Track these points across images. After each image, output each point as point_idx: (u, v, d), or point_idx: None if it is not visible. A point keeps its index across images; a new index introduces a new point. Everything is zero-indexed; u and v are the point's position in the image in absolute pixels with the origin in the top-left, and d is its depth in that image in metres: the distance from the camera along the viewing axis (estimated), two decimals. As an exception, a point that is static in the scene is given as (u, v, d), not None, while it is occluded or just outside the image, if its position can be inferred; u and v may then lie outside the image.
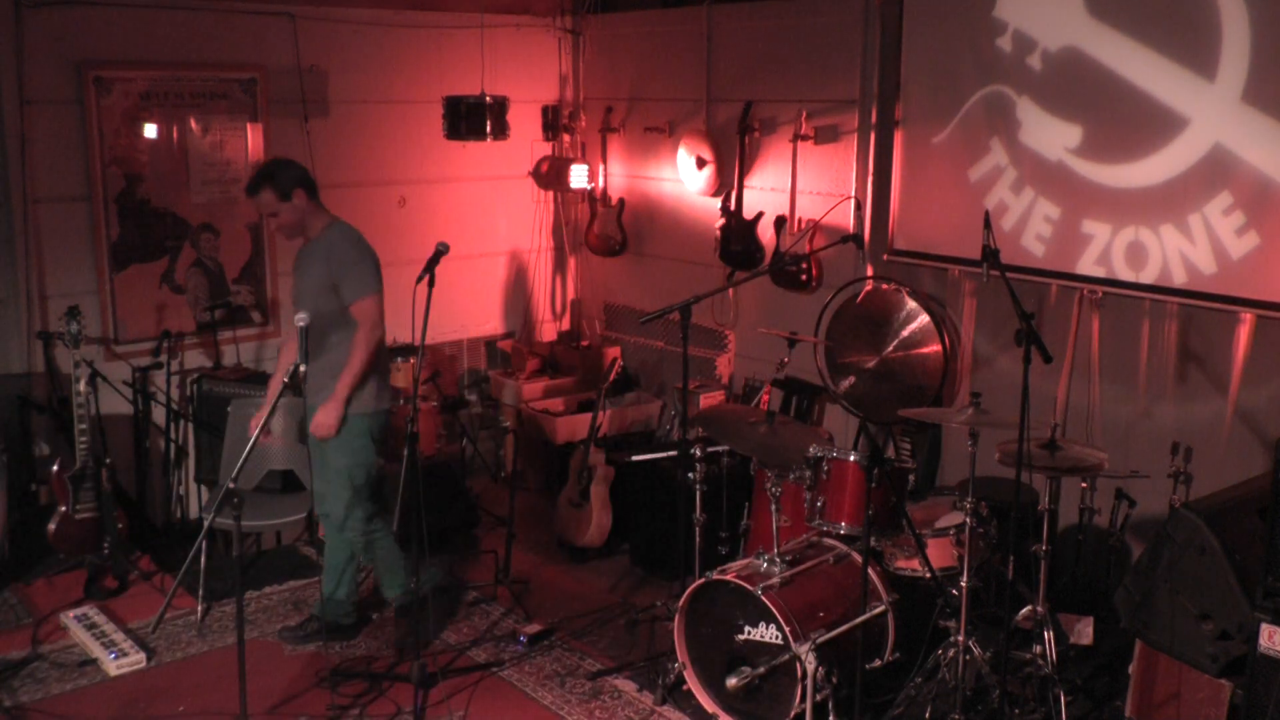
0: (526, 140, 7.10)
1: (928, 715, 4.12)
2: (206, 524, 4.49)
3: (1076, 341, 5.05)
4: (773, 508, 4.23)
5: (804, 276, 5.97)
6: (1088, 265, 4.95)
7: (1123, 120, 4.75)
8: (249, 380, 5.73)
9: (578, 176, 6.95)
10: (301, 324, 3.98)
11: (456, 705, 4.39)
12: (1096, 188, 4.88)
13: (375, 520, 4.74)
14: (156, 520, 5.90)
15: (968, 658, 4.10)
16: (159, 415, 5.86)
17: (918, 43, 5.44)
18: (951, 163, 5.37)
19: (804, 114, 5.87)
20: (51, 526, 5.12)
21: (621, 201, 7.08)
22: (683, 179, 6.57)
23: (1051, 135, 4.99)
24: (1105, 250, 4.89)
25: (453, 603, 5.21)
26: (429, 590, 4.78)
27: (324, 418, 4.50)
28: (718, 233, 6.33)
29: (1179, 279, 4.68)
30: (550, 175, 7.09)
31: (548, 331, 7.53)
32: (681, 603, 4.29)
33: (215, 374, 5.88)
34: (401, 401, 6.30)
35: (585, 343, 7.29)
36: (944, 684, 4.16)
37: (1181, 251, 4.66)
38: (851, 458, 4.28)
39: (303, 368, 3.94)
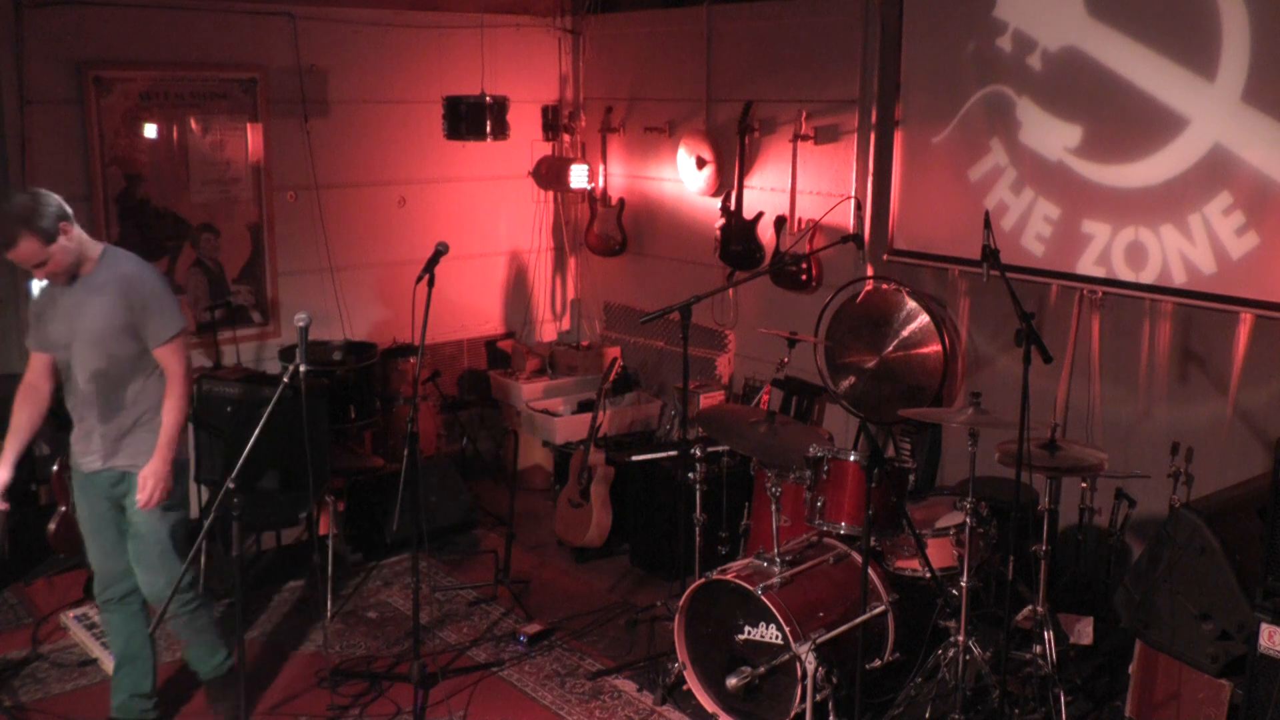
0: (526, 140, 7.10)
1: (928, 715, 4.13)
2: (206, 524, 4.48)
3: (1076, 341, 5.05)
4: (773, 508, 4.23)
5: (804, 276, 5.97)
6: (1088, 265, 4.95)
7: (1123, 120, 4.75)
8: (249, 380, 5.72)
9: (578, 176, 6.95)
10: (301, 324, 3.95)
11: (456, 705, 4.39)
12: (1096, 188, 4.88)
13: (197, 584, 4.25)
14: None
15: (968, 658, 4.10)
16: (159, 415, 5.86)
17: (918, 43, 5.44)
18: (951, 163, 5.37)
19: (804, 114, 5.87)
20: (51, 526, 5.11)
21: (621, 201, 7.08)
22: (683, 179, 6.57)
23: (1051, 135, 4.99)
24: (1105, 250, 4.89)
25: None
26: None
27: (157, 481, 3.84)
28: (718, 233, 6.33)
29: (1179, 279, 4.68)
30: (550, 175, 7.09)
31: (548, 331, 7.53)
32: (681, 603, 4.29)
33: (215, 374, 5.87)
34: (401, 401, 6.32)
35: (585, 343, 7.29)
36: (944, 684, 4.16)
37: (1181, 251, 4.66)
38: (851, 458, 4.28)
39: (303, 368, 3.91)
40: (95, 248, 3.82)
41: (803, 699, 3.89)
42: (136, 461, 3.90)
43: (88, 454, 3.93)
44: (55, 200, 3.67)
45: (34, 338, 3.92)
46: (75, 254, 3.73)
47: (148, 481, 3.83)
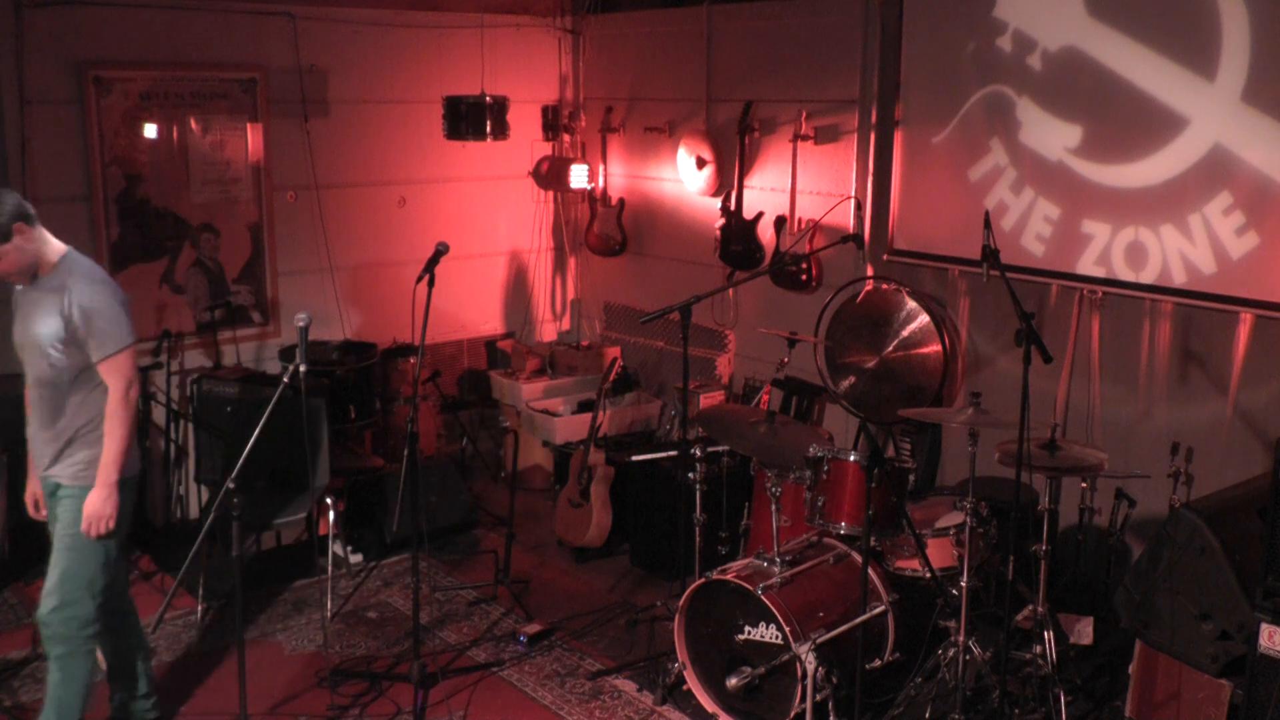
0: (526, 140, 7.10)
1: (928, 715, 4.12)
2: (206, 524, 4.48)
3: (1076, 341, 5.05)
4: (773, 508, 4.23)
5: (804, 276, 5.97)
6: (1088, 265, 4.95)
7: (1123, 120, 4.75)
8: (249, 380, 5.72)
9: (578, 176, 6.95)
10: (301, 324, 3.96)
11: (456, 705, 4.39)
12: (1096, 188, 4.88)
13: (95, 626, 3.81)
14: (156, 520, 5.90)
15: (968, 658, 4.10)
16: (159, 415, 5.86)
17: (918, 43, 5.44)
18: (951, 163, 5.37)
19: (804, 114, 5.87)
20: (51, 526, 5.11)
21: (621, 201, 7.08)
22: (683, 179, 6.57)
23: (1051, 135, 4.99)
24: (1105, 250, 4.89)
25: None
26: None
27: (99, 508, 3.69)
28: (718, 233, 6.33)
29: (1179, 279, 4.68)
30: (550, 175, 7.09)
31: (548, 331, 7.53)
32: (681, 603, 4.29)
33: (215, 374, 5.87)
34: (401, 401, 6.31)
35: (585, 343, 7.29)
36: (944, 684, 4.16)
37: (1181, 251, 4.66)
38: (851, 458, 4.28)
39: (303, 368, 3.91)
40: (56, 251, 3.70)
41: (803, 699, 3.89)
42: (66, 474, 3.77)
43: (35, 458, 3.86)
44: (13, 200, 3.59)
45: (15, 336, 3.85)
46: (33, 255, 3.63)
47: (90, 508, 3.69)
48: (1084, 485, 4.75)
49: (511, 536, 5.53)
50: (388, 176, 6.64)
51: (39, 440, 3.81)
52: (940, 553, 4.42)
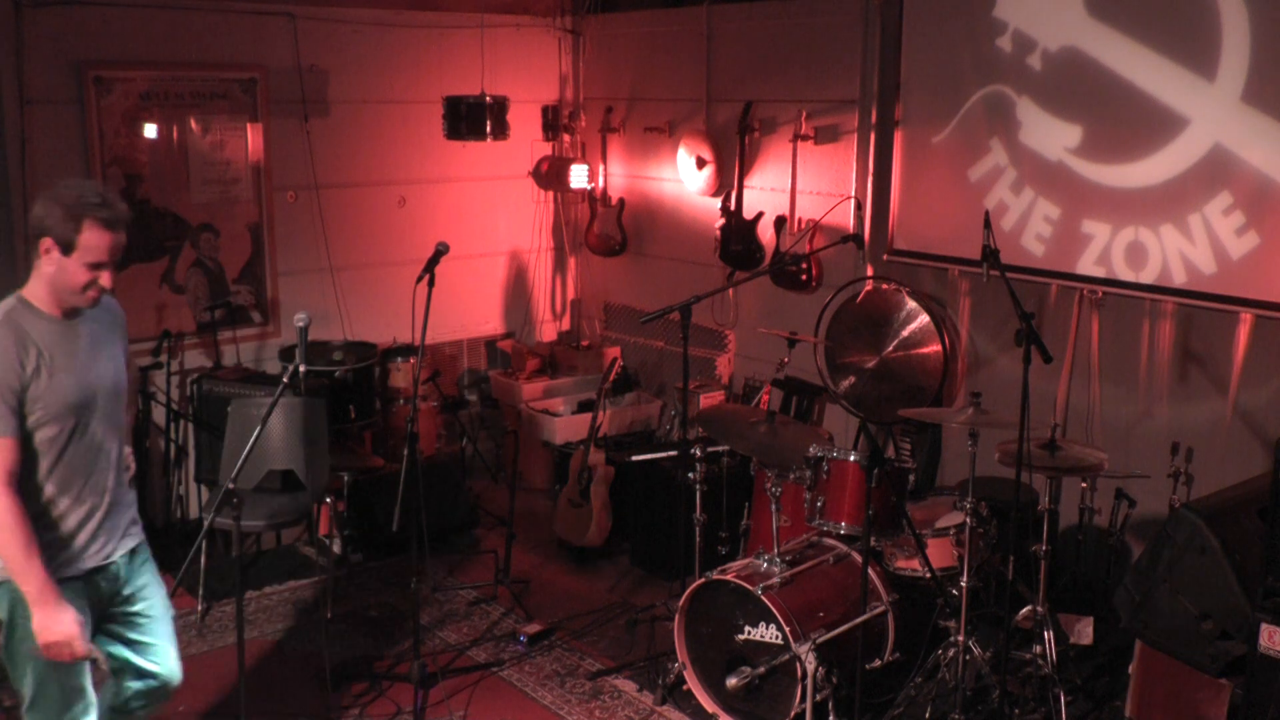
0: (526, 140, 7.10)
1: (928, 715, 4.13)
2: (206, 524, 4.48)
3: (1076, 341, 5.05)
4: (773, 508, 4.23)
5: (804, 276, 5.97)
6: (1088, 265, 4.95)
7: (1123, 120, 4.75)
8: (249, 380, 5.73)
9: (578, 176, 6.95)
10: (301, 324, 3.95)
11: (456, 705, 4.40)
12: (1096, 188, 4.88)
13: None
14: (156, 520, 5.90)
15: (968, 658, 4.10)
16: (159, 415, 5.86)
17: (918, 43, 5.44)
18: (951, 163, 5.37)
19: (804, 114, 5.87)
20: (51, 526, 5.11)
21: (621, 201, 7.08)
22: (683, 179, 6.57)
23: (1051, 135, 4.99)
24: (1105, 250, 4.89)
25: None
26: None
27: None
28: (718, 233, 6.33)
29: (1179, 279, 4.68)
30: (550, 175, 7.09)
31: (548, 331, 7.53)
32: (681, 603, 4.29)
33: (215, 374, 5.87)
34: (401, 402, 6.31)
35: (585, 343, 7.29)
36: (944, 684, 4.16)
37: (1181, 251, 4.66)
38: (851, 458, 4.28)
39: (303, 368, 3.91)
40: None
41: (803, 699, 3.89)
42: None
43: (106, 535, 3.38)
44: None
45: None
46: None
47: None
48: (1084, 485, 4.75)
49: (511, 536, 5.53)
50: (388, 176, 6.64)
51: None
52: (940, 553, 4.42)
